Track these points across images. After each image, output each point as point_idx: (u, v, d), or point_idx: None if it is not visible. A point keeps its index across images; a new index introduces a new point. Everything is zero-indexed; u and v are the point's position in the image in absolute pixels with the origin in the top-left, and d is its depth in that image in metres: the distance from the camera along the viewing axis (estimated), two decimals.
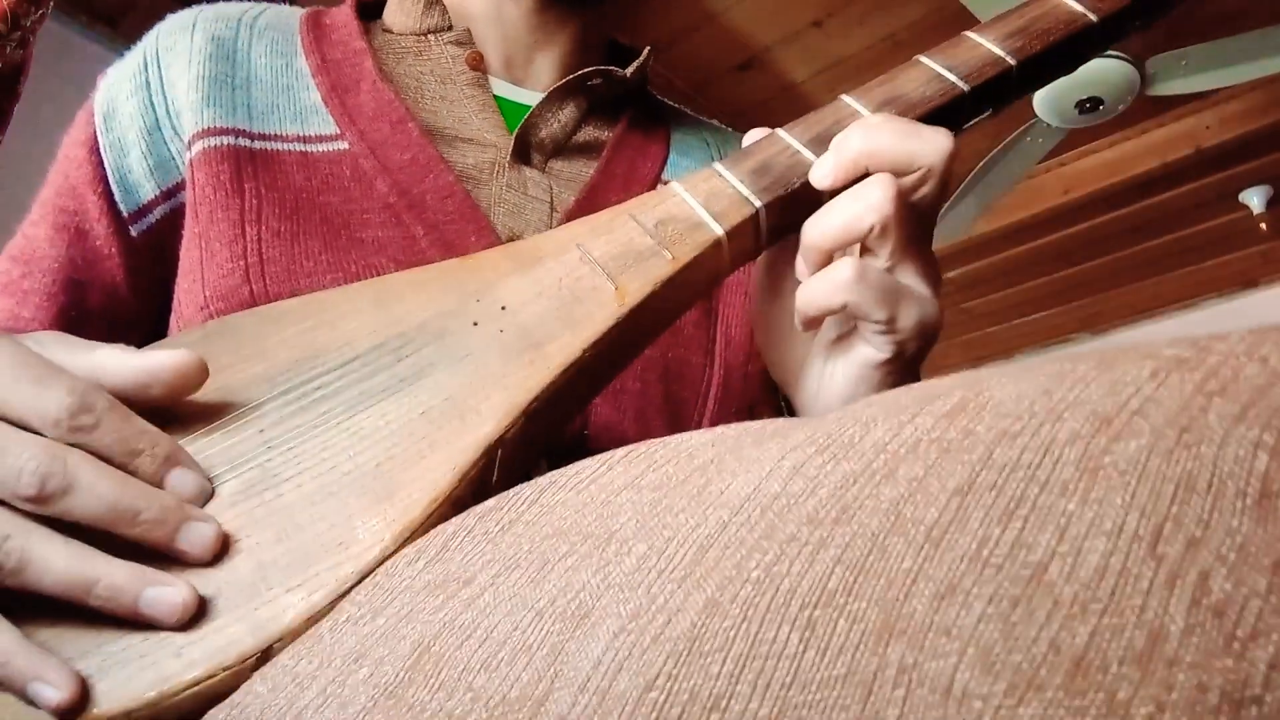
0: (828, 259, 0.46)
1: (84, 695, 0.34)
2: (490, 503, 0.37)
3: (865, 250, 0.47)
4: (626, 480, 0.33)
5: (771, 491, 0.26)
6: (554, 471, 0.37)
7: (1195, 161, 3.32)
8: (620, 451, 0.35)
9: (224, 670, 0.35)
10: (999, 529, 0.19)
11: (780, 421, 0.33)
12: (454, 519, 0.37)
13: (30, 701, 0.34)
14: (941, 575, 0.19)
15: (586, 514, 0.33)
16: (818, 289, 0.46)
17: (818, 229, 0.46)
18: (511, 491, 0.37)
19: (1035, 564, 0.18)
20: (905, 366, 0.48)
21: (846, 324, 0.50)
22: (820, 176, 0.47)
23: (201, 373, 0.41)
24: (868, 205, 0.44)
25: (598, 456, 0.36)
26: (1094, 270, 4.12)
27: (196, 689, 0.34)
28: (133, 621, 0.35)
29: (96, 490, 0.35)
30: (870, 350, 0.48)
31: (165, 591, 0.35)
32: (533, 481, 0.37)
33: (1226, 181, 3.54)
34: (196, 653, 0.35)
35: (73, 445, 0.36)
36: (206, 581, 0.37)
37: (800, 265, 0.48)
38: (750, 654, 0.21)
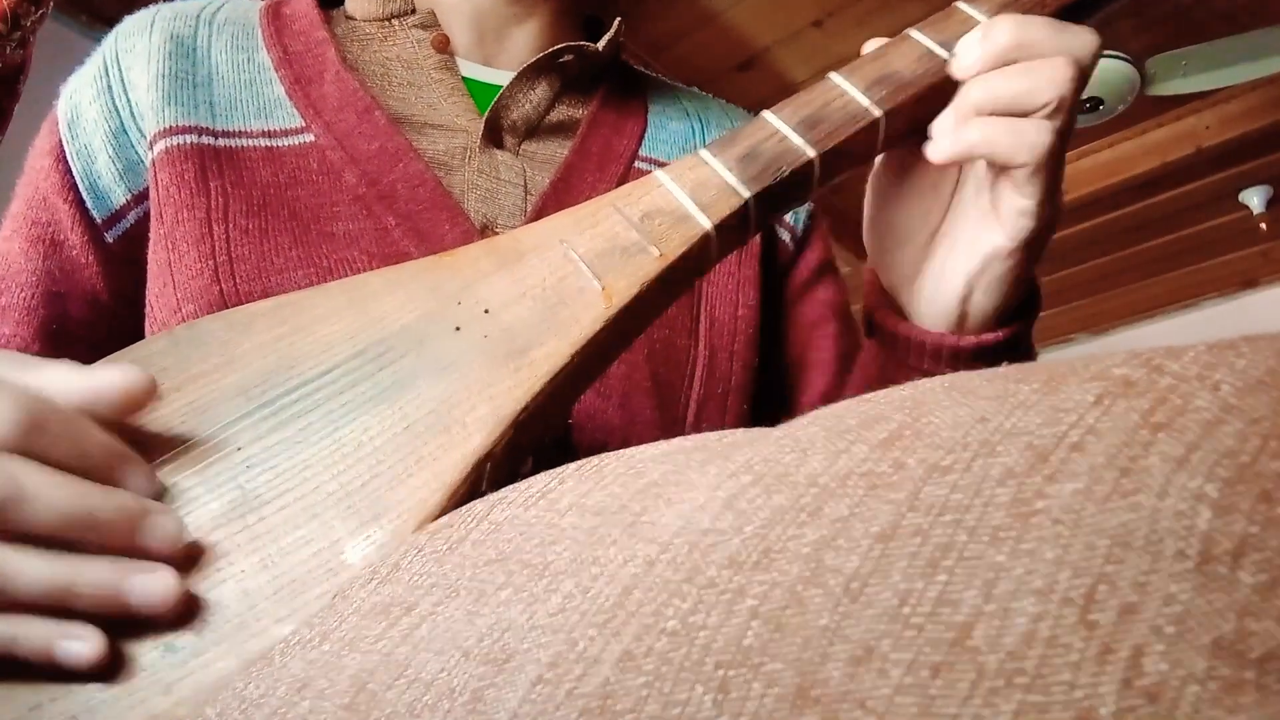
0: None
1: (115, 665, 0.33)
2: (445, 518, 0.35)
3: None
4: (573, 499, 0.32)
5: (701, 526, 0.24)
6: (509, 485, 0.35)
7: (1195, 161, 3.30)
8: (573, 465, 0.34)
9: None
10: (922, 582, 0.17)
11: (735, 436, 0.31)
12: (411, 535, 0.36)
13: (55, 669, 0.33)
14: (859, 636, 0.17)
15: (530, 537, 0.31)
16: (1003, 135, 0.46)
17: (985, 92, 0.46)
18: (465, 505, 0.35)
19: (959, 625, 0.16)
20: (1027, 257, 0.49)
21: (966, 219, 0.50)
22: (966, 66, 0.47)
23: (149, 390, 0.39)
24: (1049, 80, 0.45)
25: (554, 470, 0.34)
26: (1094, 270, 4.10)
27: None
28: (116, 669, 0.34)
29: (48, 498, 0.34)
30: (1000, 239, 0.48)
31: (150, 578, 0.34)
32: (485, 496, 0.35)
33: (1226, 181, 3.52)
34: (186, 689, 0.34)
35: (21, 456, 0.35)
36: (193, 613, 0.35)
37: (943, 125, 0.48)
38: (662, 716, 0.19)
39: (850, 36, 2.81)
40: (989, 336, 0.52)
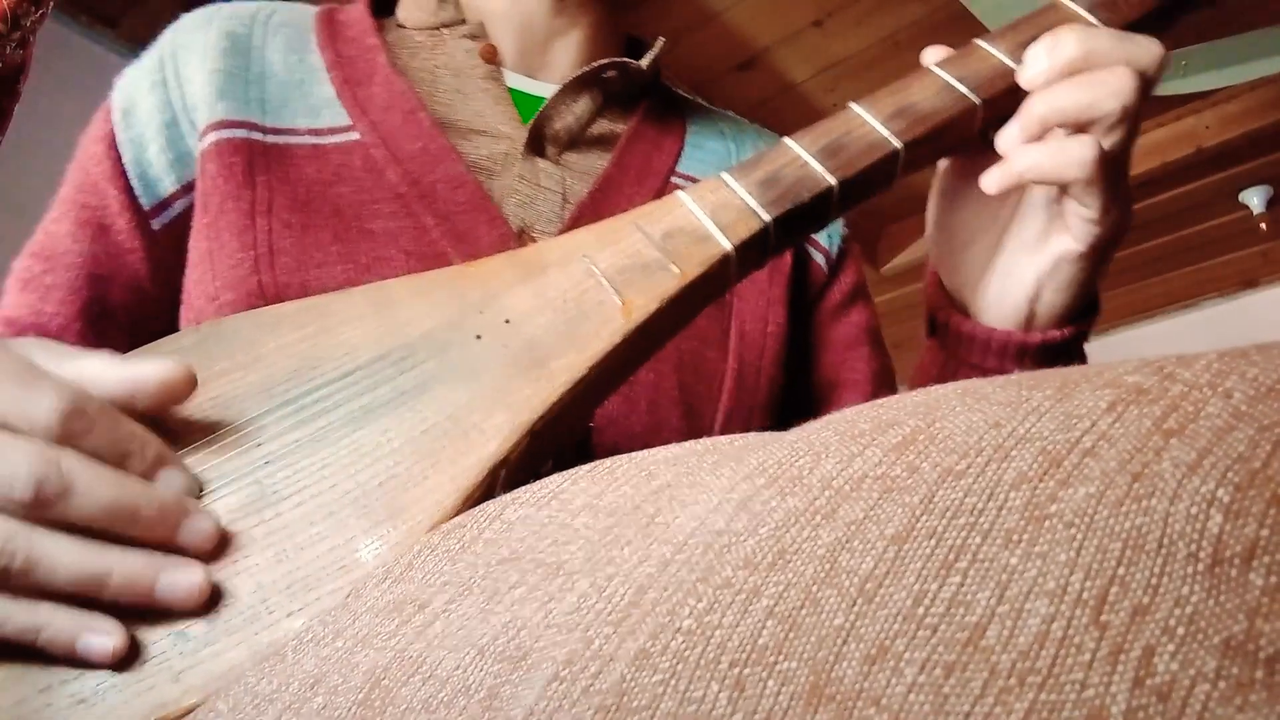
0: (1040, 134, 0.48)
1: (134, 644, 0.34)
2: (457, 518, 0.36)
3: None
4: (586, 500, 0.32)
5: (716, 527, 0.24)
6: (521, 486, 0.35)
7: (1195, 161, 3.30)
8: (585, 467, 0.34)
9: None
10: (936, 584, 0.17)
11: (746, 439, 0.31)
12: (424, 534, 0.36)
13: (78, 664, 0.34)
14: (873, 635, 0.17)
15: (543, 537, 0.32)
16: (1050, 159, 0.47)
17: (1051, 103, 0.47)
18: (478, 506, 0.36)
19: (972, 625, 0.16)
20: (1099, 260, 0.50)
21: (1036, 222, 0.51)
22: (1032, 77, 0.48)
23: (189, 384, 0.40)
24: (1112, 91, 0.46)
25: (566, 471, 0.35)
26: None
27: (195, 715, 0.33)
28: (127, 655, 0.34)
29: (94, 491, 0.35)
30: (1070, 242, 0.49)
31: (181, 575, 0.35)
32: (498, 497, 0.35)
33: (1226, 181, 3.52)
34: (195, 678, 0.34)
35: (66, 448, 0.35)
36: (206, 603, 0.36)
37: (1010, 134, 0.49)
38: (678, 713, 0.19)
39: (850, 36, 2.81)
40: (1055, 334, 0.53)
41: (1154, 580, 0.15)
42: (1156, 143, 3.33)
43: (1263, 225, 3.64)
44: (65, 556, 0.34)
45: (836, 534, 0.20)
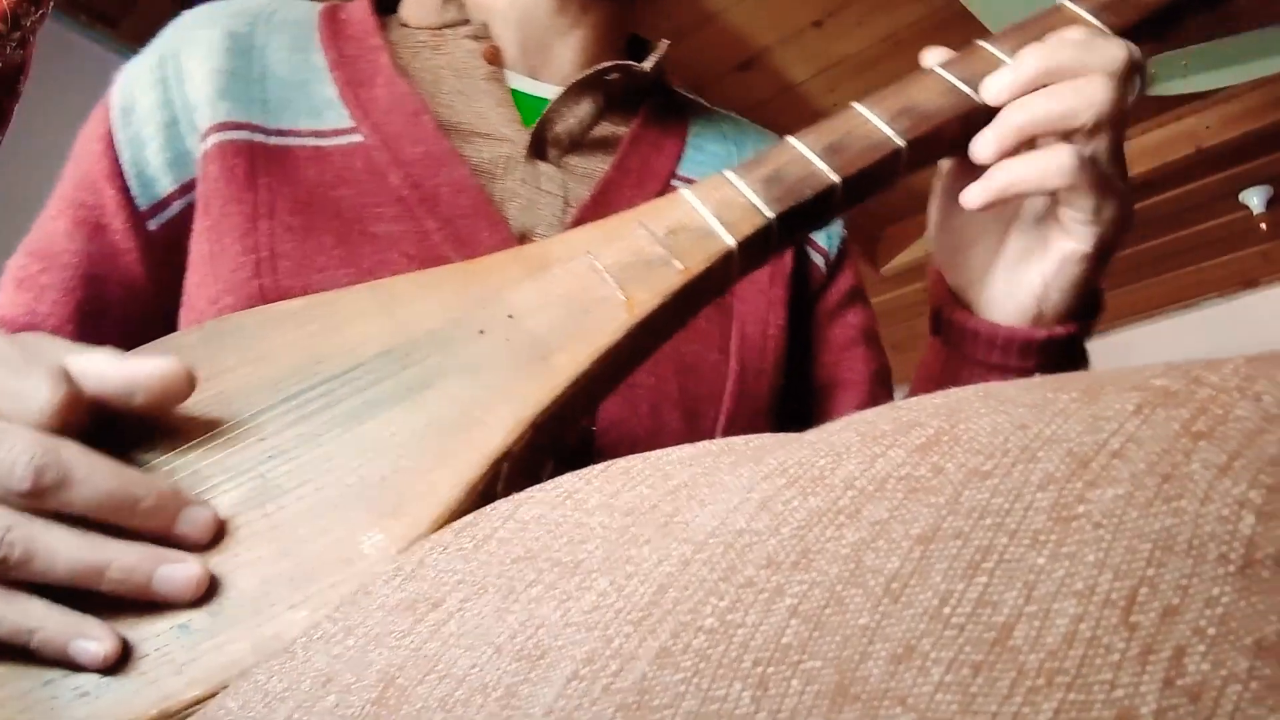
0: (1019, 145, 0.48)
1: (125, 649, 0.34)
2: (469, 516, 0.36)
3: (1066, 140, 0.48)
4: (601, 499, 0.32)
5: (736, 527, 0.24)
6: (534, 485, 0.35)
7: (1195, 161, 3.30)
8: (598, 467, 0.34)
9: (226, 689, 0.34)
10: (963, 584, 0.17)
11: (763, 440, 0.31)
12: (436, 532, 0.36)
13: (70, 666, 0.34)
14: (899, 635, 0.17)
15: (558, 536, 0.32)
16: (1029, 170, 0.47)
17: (1025, 116, 0.48)
18: (490, 504, 0.36)
19: (1000, 625, 0.16)
20: (1102, 259, 0.51)
21: (1038, 223, 0.51)
22: (996, 92, 0.49)
23: (188, 383, 0.40)
24: (1086, 99, 0.46)
25: (579, 471, 0.35)
26: None
27: (199, 707, 0.33)
28: (129, 647, 0.35)
29: (93, 480, 0.35)
30: (1071, 243, 0.50)
31: (178, 568, 0.35)
32: (511, 496, 0.35)
33: (1226, 181, 3.51)
34: (198, 670, 0.34)
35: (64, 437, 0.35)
36: (208, 596, 0.36)
37: (985, 143, 0.49)
38: (700, 712, 0.20)
39: (850, 36, 2.80)
40: (1060, 330, 0.53)
41: (1184, 581, 0.15)
42: (1156, 143, 3.33)
43: (1263, 225, 3.64)
44: (64, 547, 0.34)
45: (861, 534, 0.20)
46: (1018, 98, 0.48)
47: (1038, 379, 0.21)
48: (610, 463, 0.34)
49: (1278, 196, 3.61)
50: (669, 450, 0.33)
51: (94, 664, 0.34)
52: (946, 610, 0.17)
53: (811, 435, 0.26)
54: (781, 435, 0.29)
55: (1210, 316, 4.08)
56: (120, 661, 0.34)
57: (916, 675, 0.17)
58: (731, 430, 0.64)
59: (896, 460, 0.21)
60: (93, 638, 0.34)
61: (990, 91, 0.49)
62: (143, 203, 0.64)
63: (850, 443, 0.23)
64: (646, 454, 0.33)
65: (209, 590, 0.36)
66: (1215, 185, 3.55)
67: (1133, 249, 3.94)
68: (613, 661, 0.23)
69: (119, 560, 0.35)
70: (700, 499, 0.26)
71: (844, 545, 0.20)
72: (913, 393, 0.64)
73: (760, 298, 0.69)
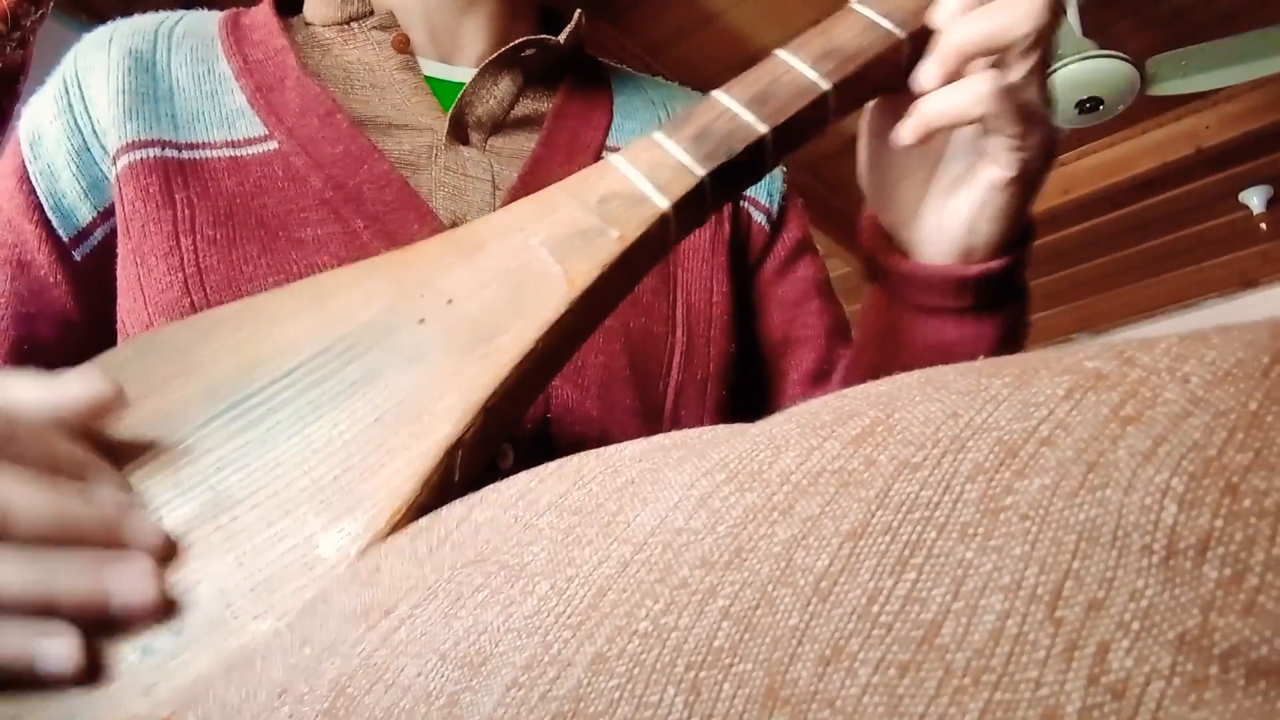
0: (961, 68, 0.48)
1: (91, 647, 0.33)
2: (425, 520, 0.35)
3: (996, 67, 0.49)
4: (551, 499, 0.32)
5: (675, 526, 0.24)
6: (490, 485, 0.35)
7: (1195, 161, 3.31)
8: (553, 465, 0.34)
9: None
10: (891, 580, 0.16)
11: (715, 433, 0.31)
12: (393, 536, 0.36)
13: (35, 680, 0.33)
14: (828, 635, 0.16)
15: (508, 538, 0.31)
16: (954, 99, 0.47)
17: (964, 33, 0.48)
18: (447, 507, 0.35)
19: (927, 623, 0.15)
20: (1029, 185, 0.51)
21: (965, 154, 0.52)
22: (947, 15, 0.49)
23: (117, 398, 0.39)
24: (1024, 14, 0.47)
25: (535, 469, 0.34)
26: (1094, 270, 4.10)
27: None
28: (94, 673, 0.34)
29: (33, 510, 0.34)
30: (997, 170, 0.50)
31: (129, 565, 0.35)
32: (466, 497, 0.35)
33: (1226, 181, 3.52)
34: (165, 691, 0.33)
35: None
36: (169, 614, 0.35)
37: (928, 70, 0.49)
38: (634, 718, 0.19)
39: None
40: (992, 264, 0.53)
41: (1109, 574, 0.14)
42: (1156, 143, 3.34)
43: (1263, 225, 3.64)
44: (8, 570, 0.33)
45: (792, 531, 0.19)
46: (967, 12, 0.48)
47: (976, 363, 0.21)
48: (565, 460, 0.33)
49: (1278, 196, 3.61)
50: (624, 445, 0.32)
51: (62, 663, 0.33)
52: (875, 609, 0.16)
53: (756, 427, 0.25)
54: (732, 427, 0.28)
55: (1210, 316, 4.07)
56: (87, 688, 0.33)
57: (845, 677, 0.16)
58: (681, 402, 0.63)
59: (831, 453, 0.20)
60: (55, 634, 0.33)
61: (940, 15, 0.49)
62: (65, 234, 0.63)
63: (790, 435, 0.22)
64: (601, 450, 0.33)
65: (169, 609, 0.35)
66: (1215, 185, 3.55)
67: (1133, 249, 3.94)
68: (550, 668, 0.22)
69: (66, 570, 0.34)
70: (644, 497, 0.26)
71: (776, 543, 0.19)
72: (858, 347, 0.63)
73: (703, 265, 0.68)
